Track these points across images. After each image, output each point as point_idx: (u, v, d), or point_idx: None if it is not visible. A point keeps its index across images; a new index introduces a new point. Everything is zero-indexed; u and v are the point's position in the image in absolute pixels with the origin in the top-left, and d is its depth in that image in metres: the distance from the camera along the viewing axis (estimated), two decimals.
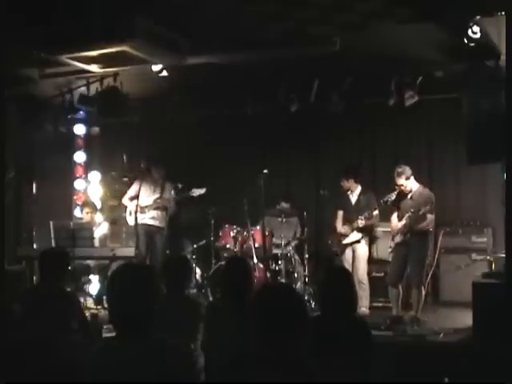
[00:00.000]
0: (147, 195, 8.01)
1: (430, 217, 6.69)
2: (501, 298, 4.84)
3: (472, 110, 6.28)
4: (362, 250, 7.53)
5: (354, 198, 7.68)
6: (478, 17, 5.64)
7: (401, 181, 6.78)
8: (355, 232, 7.49)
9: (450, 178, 8.47)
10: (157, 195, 8.06)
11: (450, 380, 4.74)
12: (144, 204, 7.93)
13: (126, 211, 8.36)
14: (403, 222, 6.76)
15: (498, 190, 6.87)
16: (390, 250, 7.02)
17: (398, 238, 6.83)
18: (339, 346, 3.34)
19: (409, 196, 6.85)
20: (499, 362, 4.50)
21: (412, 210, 6.64)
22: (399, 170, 6.78)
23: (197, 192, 7.97)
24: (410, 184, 6.81)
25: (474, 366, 4.98)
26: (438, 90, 7.59)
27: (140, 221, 7.80)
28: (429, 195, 6.81)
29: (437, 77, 7.17)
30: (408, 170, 6.79)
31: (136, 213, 7.64)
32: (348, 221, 7.58)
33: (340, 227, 7.64)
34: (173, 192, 7.93)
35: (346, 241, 7.54)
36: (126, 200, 8.31)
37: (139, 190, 7.74)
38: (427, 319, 6.74)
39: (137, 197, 7.84)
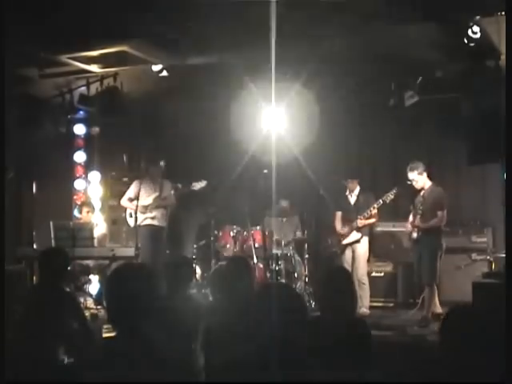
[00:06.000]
0: (147, 195, 7.83)
1: (441, 214, 6.72)
2: (501, 298, 4.83)
3: (472, 110, 6.29)
4: (362, 249, 7.53)
5: (353, 198, 7.68)
6: (477, 17, 5.64)
7: (412, 175, 6.82)
8: (355, 232, 7.49)
9: (450, 178, 8.48)
10: (156, 193, 7.90)
11: (450, 380, 4.73)
12: (145, 204, 7.76)
13: (125, 212, 8.17)
14: (413, 219, 6.81)
15: (498, 189, 6.87)
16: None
17: (413, 236, 6.88)
18: (339, 345, 3.34)
19: (421, 193, 6.89)
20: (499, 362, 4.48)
21: (421, 208, 6.67)
22: (412, 164, 6.86)
23: (198, 185, 7.84)
24: (421, 180, 6.85)
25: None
26: (438, 90, 7.58)
27: (141, 222, 7.69)
28: (439, 193, 6.87)
29: (437, 77, 7.17)
30: (421, 166, 6.84)
31: (136, 213, 7.58)
32: (347, 221, 7.58)
33: (339, 227, 7.64)
34: (173, 192, 7.88)
35: (346, 241, 7.54)
36: (124, 201, 8.09)
37: (139, 190, 7.65)
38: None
39: (137, 198, 7.80)
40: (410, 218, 7.03)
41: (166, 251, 7.91)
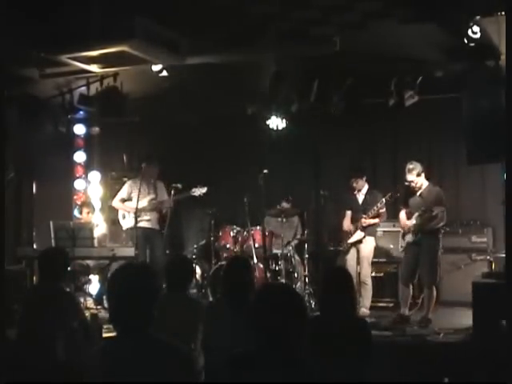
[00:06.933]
0: (142, 197, 7.69)
1: (441, 215, 6.69)
2: (501, 298, 4.83)
3: (472, 110, 6.28)
4: (367, 250, 7.49)
5: (361, 197, 7.65)
6: (477, 17, 5.64)
7: (411, 177, 6.78)
8: (359, 231, 7.47)
9: (450, 178, 8.48)
10: (152, 196, 7.85)
11: (449, 380, 4.75)
12: (139, 206, 7.59)
13: (118, 214, 8.07)
14: (413, 221, 6.77)
15: (498, 189, 6.87)
16: (401, 249, 7.04)
17: (408, 238, 6.84)
18: (339, 345, 3.34)
19: (418, 193, 6.85)
20: (499, 362, 4.49)
21: (422, 209, 6.63)
22: (410, 166, 6.79)
23: (197, 191, 7.78)
24: (420, 181, 6.81)
25: (473, 366, 4.98)
26: (438, 90, 7.58)
27: (136, 224, 7.60)
28: (438, 193, 6.83)
29: (437, 77, 7.17)
30: (419, 167, 6.79)
31: (136, 214, 7.55)
32: (355, 220, 7.55)
33: (346, 227, 7.60)
34: (172, 192, 7.85)
35: (351, 240, 7.51)
36: (116, 202, 8.01)
37: (138, 191, 7.62)
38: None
39: (130, 199, 7.78)
40: (402, 216, 6.99)
41: (162, 253, 7.85)
